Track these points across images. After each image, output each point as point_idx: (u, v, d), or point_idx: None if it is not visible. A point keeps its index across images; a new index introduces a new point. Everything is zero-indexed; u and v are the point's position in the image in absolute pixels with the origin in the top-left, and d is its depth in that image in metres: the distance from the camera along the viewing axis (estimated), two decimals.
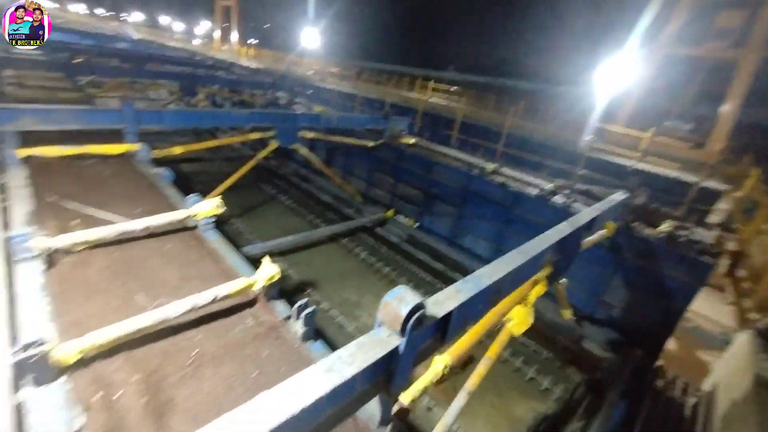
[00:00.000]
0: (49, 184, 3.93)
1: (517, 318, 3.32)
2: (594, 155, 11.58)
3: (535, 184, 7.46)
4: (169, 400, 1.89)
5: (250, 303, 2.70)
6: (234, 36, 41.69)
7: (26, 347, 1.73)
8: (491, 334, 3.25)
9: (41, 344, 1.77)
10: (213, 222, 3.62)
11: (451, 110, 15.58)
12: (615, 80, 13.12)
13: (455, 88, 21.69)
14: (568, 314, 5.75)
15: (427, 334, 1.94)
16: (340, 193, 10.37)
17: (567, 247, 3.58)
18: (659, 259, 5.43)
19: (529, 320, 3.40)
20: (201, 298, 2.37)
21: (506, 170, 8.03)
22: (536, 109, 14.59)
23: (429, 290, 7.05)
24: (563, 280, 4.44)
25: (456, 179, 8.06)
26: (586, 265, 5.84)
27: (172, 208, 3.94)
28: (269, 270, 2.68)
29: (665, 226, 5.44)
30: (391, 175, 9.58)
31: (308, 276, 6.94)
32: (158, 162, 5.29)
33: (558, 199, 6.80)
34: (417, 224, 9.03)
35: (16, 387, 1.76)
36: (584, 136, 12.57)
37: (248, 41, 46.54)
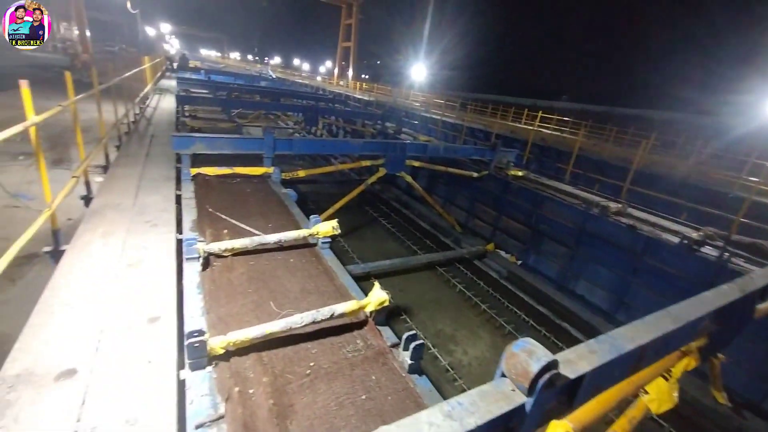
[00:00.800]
0: (207, 197, 4.80)
1: (658, 393, 2.75)
2: (760, 199, 9.33)
3: (673, 230, 6.30)
4: (290, 405, 2.03)
5: (360, 324, 2.81)
6: (350, 72, 46.38)
7: (190, 335, 2.08)
8: (622, 406, 2.75)
9: (202, 334, 2.10)
10: (329, 241, 3.93)
11: (564, 142, 14.46)
12: None
13: (567, 118, 20.17)
14: (722, 398, 4.55)
15: (554, 395, 1.74)
16: (439, 222, 10.35)
17: (731, 315, 2.87)
18: None
19: (673, 399, 2.79)
20: (320, 314, 2.55)
21: (634, 211, 6.99)
22: (672, 142, 12.55)
23: (532, 336, 6.40)
24: (720, 356, 3.56)
25: (571, 217, 7.33)
26: (755, 340, 4.62)
27: (296, 224, 4.44)
28: (379, 295, 2.77)
29: None
30: (493, 207, 9.21)
31: (404, 301, 6.98)
32: (284, 182, 6.06)
33: (709, 252, 5.60)
34: (519, 261, 8.41)
35: (180, 365, 2.12)
36: (741, 175, 10.27)
37: (362, 76, 51.25)
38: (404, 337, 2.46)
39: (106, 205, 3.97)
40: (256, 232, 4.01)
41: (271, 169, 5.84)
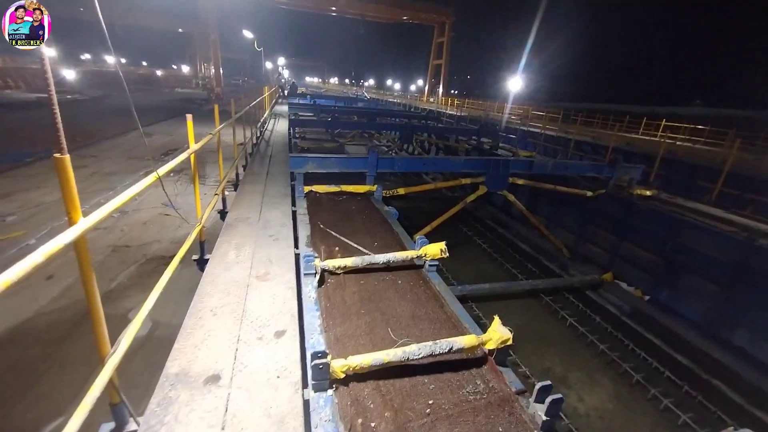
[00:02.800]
0: (318, 213, 5.10)
1: None
2: None
3: None
4: None
5: (479, 362, 2.56)
6: (440, 89, 46.61)
7: (315, 356, 2.09)
8: None
9: (325, 356, 2.10)
10: (436, 264, 3.78)
11: (700, 154, 12.07)
12: None
13: (701, 126, 16.92)
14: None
15: None
16: (541, 244, 9.45)
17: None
18: None
19: None
20: (438, 347, 2.38)
21: None
22: None
23: (670, 392, 5.26)
24: None
25: (724, 248, 5.95)
26: None
27: (401, 244, 4.41)
28: (501, 331, 2.49)
29: None
30: (612, 231, 8.04)
31: None
32: (384, 200, 6.16)
33: None
34: (647, 297, 7.12)
35: (303, 383, 2.15)
36: None
37: (451, 92, 51.12)
38: (537, 387, 2.13)
39: (238, 219, 4.46)
40: (364, 250, 4.07)
41: (374, 187, 5.98)
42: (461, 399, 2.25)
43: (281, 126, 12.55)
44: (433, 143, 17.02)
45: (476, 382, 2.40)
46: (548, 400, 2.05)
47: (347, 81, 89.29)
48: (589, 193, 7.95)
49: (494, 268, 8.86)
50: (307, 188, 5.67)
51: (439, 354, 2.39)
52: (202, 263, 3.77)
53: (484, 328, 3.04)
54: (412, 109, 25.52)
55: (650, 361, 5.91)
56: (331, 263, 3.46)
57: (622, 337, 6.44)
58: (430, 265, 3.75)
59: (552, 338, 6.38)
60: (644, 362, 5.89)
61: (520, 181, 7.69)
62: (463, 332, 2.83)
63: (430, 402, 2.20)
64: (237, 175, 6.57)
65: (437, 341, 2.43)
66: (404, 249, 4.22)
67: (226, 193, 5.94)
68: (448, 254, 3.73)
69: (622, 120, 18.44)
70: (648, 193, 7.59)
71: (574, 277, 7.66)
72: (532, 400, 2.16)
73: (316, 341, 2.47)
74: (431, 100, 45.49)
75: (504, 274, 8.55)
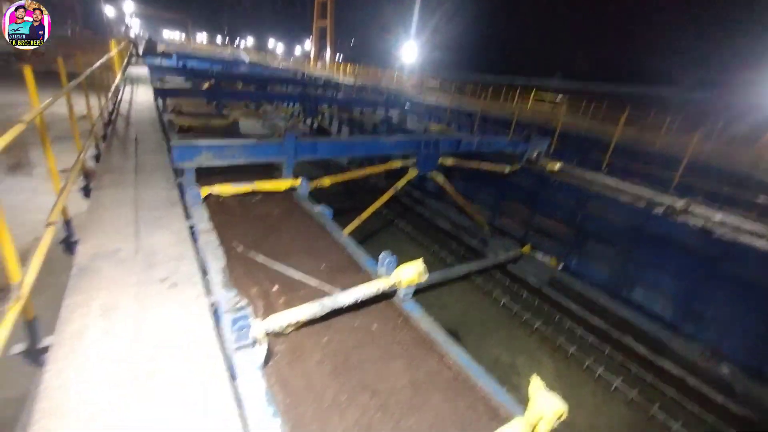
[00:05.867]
0: (229, 227, 3.70)
1: None
2: None
3: (753, 232, 5.65)
4: None
5: None
6: (327, 54, 44.13)
7: None
8: None
9: None
10: (412, 291, 2.97)
11: (583, 126, 13.65)
12: None
13: (561, 96, 19.47)
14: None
15: None
16: (459, 221, 9.48)
17: None
18: None
19: None
20: None
21: (699, 209, 6.31)
22: (693, 122, 11.99)
23: (599, 359, 5.70)
24: None
25: (626, 217, 6.59)
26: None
27: (353, 263, 3.43)
28: (552, 405, 1.85)
29: None
30: (526, 204, 8.40)
31: (448, 324, 6.10)
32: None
33: None
34: (561, 265, 7.68)
35: None
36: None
37: (338, 58, 49.07)
38: None
39: (99, 254, 2.80)
40: (312, 281, 2.98)
41: (297, 181, 4.73)
42: None
43: (143, 96, 9.61)
44: (335, 115, 15.70)
45: None
46: None
47: (219, 40, 77.69)
48: (507, 169, 8.07)
49: (421, 251, 8.56)
50: (204, 190, 4.10)
51: None
52: (36, 355, 2.18)
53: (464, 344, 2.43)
54: (305, 77, 23.23)
55: (575, 329, 6.35)
56: (276, 321, 2.32)
57: (550, 309, 6.81)
58: (405, 294, 2.92)
59: (492, 323, 6.38)
60: (574, 335, 6.29)
61: (449, 161, 7.29)
62: (489, 404, 2.12)
63: None
64: (85, 174, 4.49)
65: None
66: (361, 271, 3.27)
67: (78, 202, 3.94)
68: (427, 274, 2.94)
69: (511, 92, 19.84)
70: (556, 166, 8.04)
71: (500, 255, 7.80)
72: None
73: None
74: (318, 66, 42.81)
75: (431, 257, 8.31)
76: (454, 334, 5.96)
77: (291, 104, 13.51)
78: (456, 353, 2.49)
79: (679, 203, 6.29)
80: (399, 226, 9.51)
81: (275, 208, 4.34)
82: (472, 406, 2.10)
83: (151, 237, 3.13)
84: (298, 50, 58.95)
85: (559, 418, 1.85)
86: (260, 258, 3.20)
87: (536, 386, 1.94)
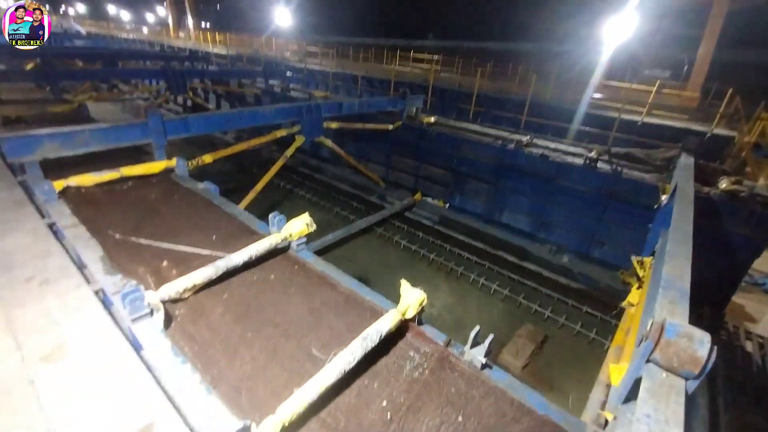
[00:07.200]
0: (99, 218, 3.45)
1: None
2: (604, 113, 11.42)
3: (572, 153, 7.27)
4: None
5: (402, 332, 2.43)
6: (189, 21, 38.81)
7: None
8: None
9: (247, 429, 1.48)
10: (305, 241, 3.28)
11: (454, 81, 14.96)
12: (615, 34, 12.87)
13: (436, 57, 20.89)
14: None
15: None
16: (357, 181, 9.97)
17: None
18: (722, 216, 5.41)
19: None
20: (368, 340, 2.08)
21: (540, 141, 7.79)
22: (539, 71, 14.18)
23: (481, 272, 6.92)
24: None
25: (489, 155, 7.79)
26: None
27: (247, 229, 3.57)
28: (416, 295, 2.41)
29: (726, 184, 5.38)
30: (412, 157, 9.22)
31: (356, 272, 6.64)
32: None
33: (603, 166, 6.65)
34: (447, 204, 8.79)
35: None
36: (590, 96, 12.37)
37: (204, 25, 43.61)
38: (471, 335, 2.20)
39: None
40: (205, 251, 3.06)
41: (172, 162, 4.49)
42: (408, 381, 2.10)
43: None
44: (210, 90, 14.38)
45: (410, 355, 2.28)
46: (487, 343, 2.16)
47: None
48: (390, 127, 8.67)
49: (325, 215, 8.86)
50: (59, 184, 3.67)
51: (372, 348, 2.10)
52: None
53: (374, 287, 2.93)
54: (167, 48, 20.27)
55: (461, 252, 7.51)
56: (172, 288, 2.42)
57: (441, 242, 7.85)
58: (299, 245, 3.21)
59: (395, 264, 7.14)
60: (461, 258, 7.43)
61: (334, 125, 7.52)
62: (374, 309, 2.61)
63: (384, 404, 1.95)
64: None
65: (363, 334, 2.12)
66: (255, 234, 3.44)
67: None
68: (315, 226, 3.26)
69: (384, 54, 20.46)
70: (432, 119, 8.92)
71: (394, 204, 8.55)
72: (467, 347, 2.23)
73: (216, 411, 1.71)
74: (181, 35, 37.47)
75: (335, 219, 8.69)
76: (365, 279, 6.58)
77: (153, 82, 11.87)
78: (347, 281, 2.92)
79: (525, 138, 7.69)
80: (300, 195, 9.58)
81: (151, 192, 4.11)
82: (361, 314, 2.57)
83: (2, 241, 2.82)
84: (150, 18, 50.19)
85: (420, 303, 2.42)
86: (143, 240, 3.13)
87: (404, 286, 2.48)
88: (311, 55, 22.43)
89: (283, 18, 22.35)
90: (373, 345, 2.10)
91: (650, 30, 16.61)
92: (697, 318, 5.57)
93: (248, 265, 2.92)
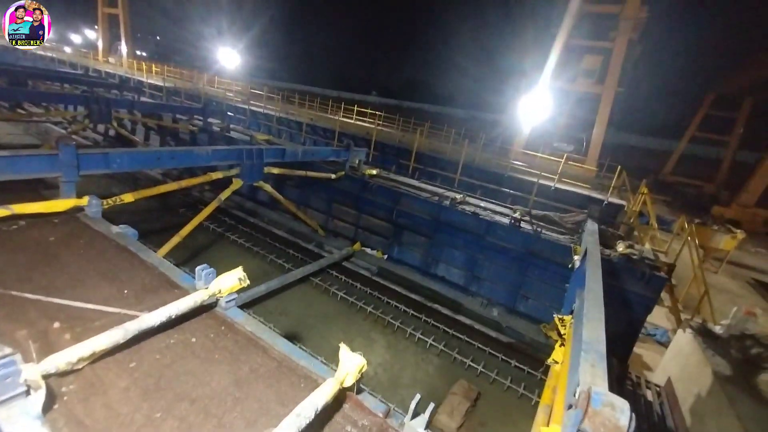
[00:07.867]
0: None
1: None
2: (524, 177, 12.86)
3: (500, 212, 7.97)
4: None
5: (339, 402, 2.26)
6: (123, 48, 36.88)
7: None
8: None
9: None
10: (235, 297, 3.01)
11: (393, 138, 15.86)
12: (533, 111, 15.01)
13: (379, 113, 22.31)
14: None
15: None
16: (296, 227, 9.72)
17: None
18: (621, 276, 6.21)
19: None
20: (303, 417, 1.89)
21: (471, 199, 8.43)
22: (470, 136, 15.75)
23: (418, 326, 6.90)
24: None
25: (427, 210, 8.19)
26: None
27: (168, 281, 3.19)
28: (356, 362, 2.30)
29: (622, 248, 6.26)
30: (353, 207, 9.32)
31: (290, 326, 6.23)
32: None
33: (526, 226, 7.36)
34: (386, 256, 8.89)
35: None
36: (512, 161, 14.00)
37: (138, 53, 41.83)
38: (412, 405, 2.12)
39: None
40: (112, 308, 2.64)
41: (83, 200, 3.96)
42: None
43: None
44: (139, 122, 13.42)
45: (348, 430, 2.11)
46: (428, 410, 2.09)
47: None
48: (333, 176, 8.76)
49: (259, 262, 8.33)
50: None
51: (309, 423, 1.91)
52: None
53: (308, 341, 2.74)
54: (93, 73, 18.75)
55: (398, 305, 7.48)
56: (61, 358, 2.00)
57: (379, 294, 7.77)
58: (228, 302, 2.92)
59: (331, 315, 6.84)
60: (399, 311, 7.38)
61: (276, 170, 7.37)
62: (309, 377, 2.41)
63: None
64: None
65: (297, 410, 1.92)
66: (177, 288, 3.08)
67: None
68: (248, 281, 3.03)
69: (329, 104, 21.29)
70: (374, 172, 9.24)
71: (334, 254, 8.40)
72: (407, 419, 2.13)
73: None
74: (111, 60, 35.26)
75: (270, 267, 8.22)
76: (299, 333, 6.17)
77: (71, 107, 10.73)
78: (281, 344, 2.69)
79: (459, 196, 8.28)
80: (232, 239, 8.97)
81: (50, 234, 3.53)
82: (294, 383, 2.35)
83: None
84: (77, 39, 46.76)
85: (360, 370, 2.30)
86: (30, 295, 2.60)
87: (343, 351, 2.36)
88: (256, 98, 22.44)
89: (229, 58, 22.33)
90: (308, 422, 1.91)
91: (559, 111, 19.69)
92: (608, 370, 6.11)
93: (165, 326, 2.57)
